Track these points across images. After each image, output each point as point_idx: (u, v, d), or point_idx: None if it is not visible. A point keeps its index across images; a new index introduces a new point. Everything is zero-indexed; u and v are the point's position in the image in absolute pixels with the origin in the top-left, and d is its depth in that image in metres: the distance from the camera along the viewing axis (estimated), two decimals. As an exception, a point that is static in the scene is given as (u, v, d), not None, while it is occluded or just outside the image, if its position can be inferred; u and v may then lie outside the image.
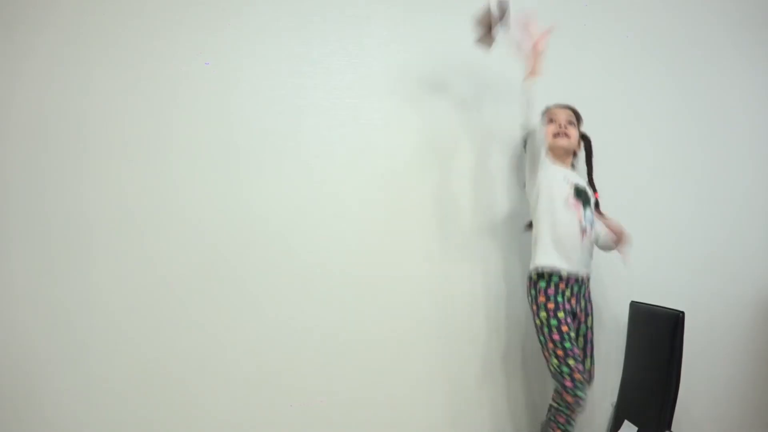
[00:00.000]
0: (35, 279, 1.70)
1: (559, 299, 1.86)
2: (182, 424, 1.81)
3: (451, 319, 2.07)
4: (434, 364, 2.05)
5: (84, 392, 1.73)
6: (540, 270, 1.88)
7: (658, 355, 1.92)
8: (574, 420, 1.80)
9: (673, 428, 1.89)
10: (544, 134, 1.95)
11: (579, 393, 1.76)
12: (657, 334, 1.96)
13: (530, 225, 2.01)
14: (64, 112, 1.74)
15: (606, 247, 2.05)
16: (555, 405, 1.83)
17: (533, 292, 1.90)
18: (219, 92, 1.86)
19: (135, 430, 1.77)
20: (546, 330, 1.84)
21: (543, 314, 1.86)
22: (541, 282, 1.88)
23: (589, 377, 1.96)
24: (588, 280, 1.97)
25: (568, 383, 1.78)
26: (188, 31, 1.84)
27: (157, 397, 1.79)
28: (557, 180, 1.93)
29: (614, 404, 2.20)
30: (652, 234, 2.32)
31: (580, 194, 1.95)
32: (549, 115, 2.03)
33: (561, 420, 1.81)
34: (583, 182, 2.00)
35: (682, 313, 1.90)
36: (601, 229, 2.04)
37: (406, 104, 2.04)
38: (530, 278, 1.93)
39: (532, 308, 1.91)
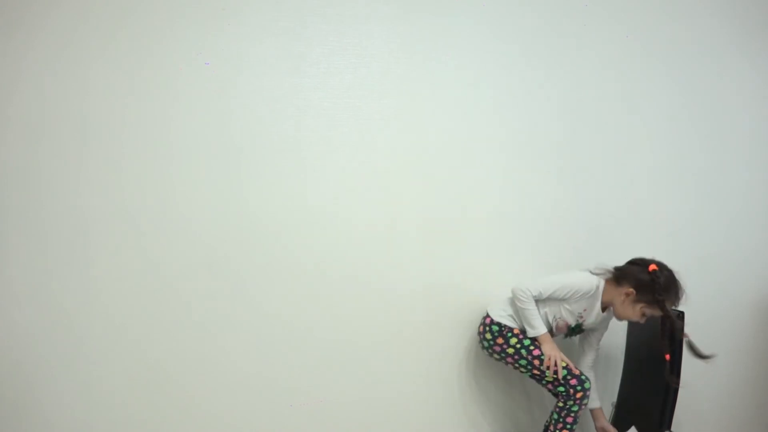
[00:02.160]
0: (34, 279, 1.70)
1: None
2: (182, 424, 1.81)
3: (452, 319, 2.07)
4: (434, 364, 2.05)
5: (84, 392, 1.73)
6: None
7: (658, 355, 1.92)
8: (579, 416, 1.85)
9: (673, 428, 1.89)
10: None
11: (586, 385, 1.83)
12: (657, 334, 1.96)
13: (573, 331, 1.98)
14: (64, 112, 1.74)
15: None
16: (562, 406, 1.85)
17: (495, 328, 1.92)
18: (219, 92, 1.86)
19: (135, 430, 1.77)
20: (524, 352, 1.88)
21: (513, 340, 1.89)
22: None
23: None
24: None
25: (573, 381, 1.83)
26: (188, 31, 1.84)
27: (157, 397, 1.79)
28: (575, 315, 1.91)
29: (614, 404, 2.20)
30: (652, 234, 2.32)
31: (573, 331, 1.96)
32: (651, 310, 1.85)
33: (569, 420, 1.84)
34: (591, 323, 1.96)
35: (682, 313, 1.90)
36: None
37: (405, 104, 2.04)
38: (487, 323, 1.95)
39: (497, 343, 1.91)
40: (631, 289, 1.85)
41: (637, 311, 1.86)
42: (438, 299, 2.06)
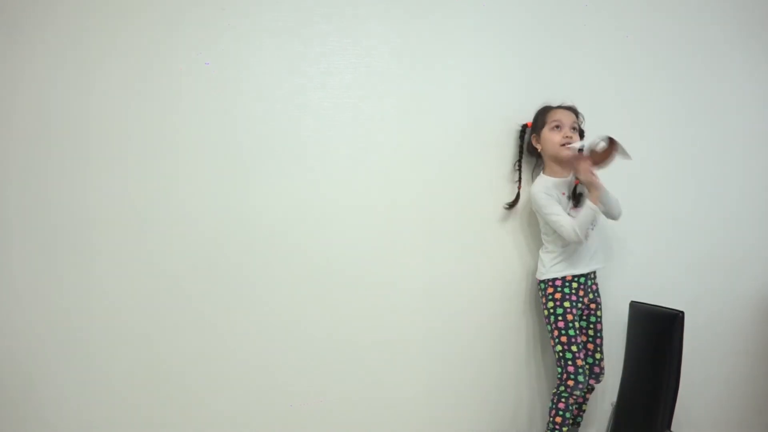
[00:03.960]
0: (36, 278, 1.70)
1: (566, 291, 1.97)
2: (182, 424, 1.81)
3: (452, 319, 2.07)
4: (434, 364, 2.05)
5: (84, 392, 1.73)
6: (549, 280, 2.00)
7: (658, 355, 1.93)
8: (572, 405, 1.93)
9: (673, 428, 1.89)
10: (549, 141, 1.99)
11: (579, 378, 1.91)
12: (657, 334, 1.96)
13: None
14: (66, 112, 1.74)
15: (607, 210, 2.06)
16: (555, 391, 1.95)
17: (542, 285, 2.02)
18: (219, 92, 1.86)
19: (135, 429, 1.77)
20: (552, 318, 1.96)
21: (550, 304, 1.97)
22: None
23: (600, 370, 2.04)
24: (594, 274, 2.06)
25: (570, 368, 1.92)
26: (188, 31, 1.84)
27: (157, 396, 1.79)
28: (560, 198, 1.98)
29: (614, 404, 2.20)
30: (652, 234, 2.32)
31: (578, 200, 2.02)
32: (553, 120, 2.01)
33: (561, 406, 1.93)
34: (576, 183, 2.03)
35: (682, 312, 1.90)
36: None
37: (405, 104, 2.04)
38: (538, 283, 2.05)
39: (541, 299, 2.02)
40: (533, 136, 2.06)
41: (549, 136, 2.00)
42: (439, 299, 2.06)
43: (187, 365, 1.82)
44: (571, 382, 1.91)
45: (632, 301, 2.16)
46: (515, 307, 2.14)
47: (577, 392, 1.92)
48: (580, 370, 1.91)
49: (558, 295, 1.96)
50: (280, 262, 1.90)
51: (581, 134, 2.09)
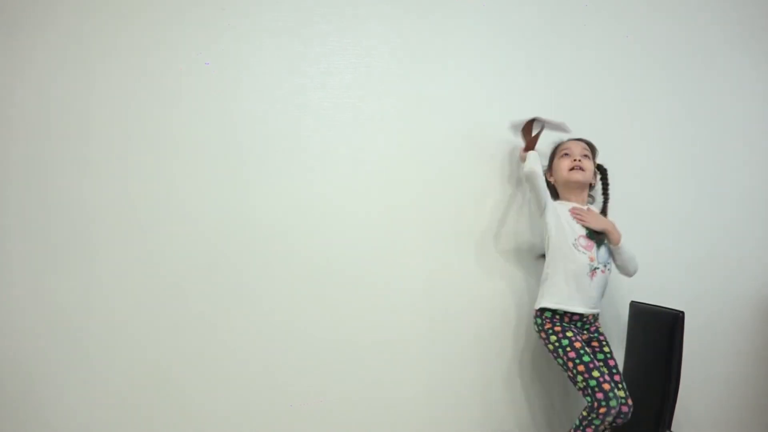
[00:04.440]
0: (36, 277, 1.70)
1: (565, 324, 1.91)
2: (182, 424, 1.81)
3: (452, 320, 2.07)
4: (434, 364, 2.05)
5: (84, 392, 1.73)
6: (545, 310, 1.93)
7: (658, 355, 1.92)
8: (601, 431, 1.81)
9: (673, 428, 1.89)
10: (558, 169, 2.01)
11: (612, 403, 1.76)
12: (657, 334, 1.96)
13: (542, 255, 2.04)
14: (66, 112, 1.74)
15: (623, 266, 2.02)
16: (585, 415, 1.80)
17: (539, 321, 1.95)
18: (219, 92, 1.86)
19: (135, 430, 1.77)
20: (561, 351, 1.87)
21: (553, 338, 1.90)
22: (547, 312, 1.93)
23: (628, 409, 1.85)
24: (594, 318, 1.98)
25: (599, 395, 1.77)
26: (188, 31, 1.84)
27: (157, 397, 1.79)
28: (568, 220, 1.95)
29: (614, 404, 2.19)
30: (652, 234, 2.32)
31: (593, 234, 1.95)
32: (563, 150, 2.03)
33: (589, 431, 1.79)
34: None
35: (682, 312, 1.90)
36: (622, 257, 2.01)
37: (405, 104, 2.04)
38: (535, 315, 1.99)
39: (540, 336, 1.95)
40: (547, 171, 2.08)
41: (559, 163, 2.03)
42: (439, 299, 2.05)
43: (187, 365, 1.82)
44: (603, 409, 1.75)
45: (632, 301, 2.16)
46: (515, 307, 2.13)
47: (609, 418, 1.77)
48: (611, 395, 1.76)
49: (558, 328, 1.89)
50: (280, 262, 1.90)
51: (602, 170, 2.09)
